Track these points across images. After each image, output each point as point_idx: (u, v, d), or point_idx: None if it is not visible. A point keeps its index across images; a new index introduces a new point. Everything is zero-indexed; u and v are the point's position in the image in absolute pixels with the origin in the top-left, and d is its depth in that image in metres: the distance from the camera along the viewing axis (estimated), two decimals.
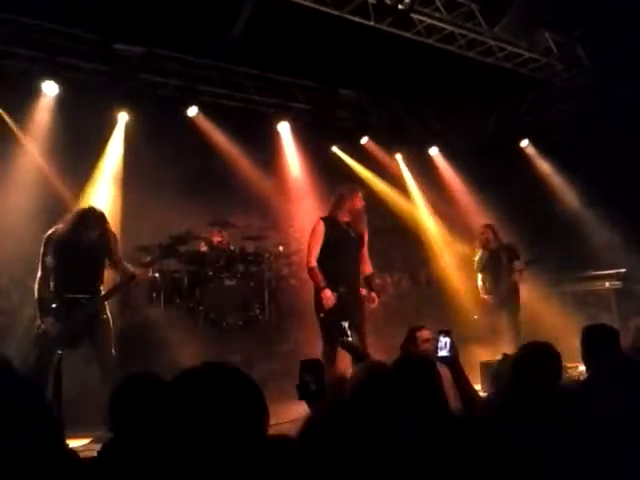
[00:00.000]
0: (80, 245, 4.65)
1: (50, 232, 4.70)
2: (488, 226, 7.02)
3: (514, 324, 6.60)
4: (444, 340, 3.28)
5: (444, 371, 4.01)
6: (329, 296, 4.75)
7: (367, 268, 5.20)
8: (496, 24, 6.51)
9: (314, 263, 4.90)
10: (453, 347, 3.28)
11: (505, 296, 6.69)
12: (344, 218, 5.04)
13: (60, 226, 4.74)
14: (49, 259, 4.60)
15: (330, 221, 5.02)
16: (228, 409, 1.44)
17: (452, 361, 3.25)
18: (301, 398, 2.46)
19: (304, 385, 2.44)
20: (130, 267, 4.94)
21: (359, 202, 5.09)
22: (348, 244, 5.02)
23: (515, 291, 6.73)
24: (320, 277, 4.80)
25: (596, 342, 3.32)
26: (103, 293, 4.78)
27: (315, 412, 1.91)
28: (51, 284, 4.62)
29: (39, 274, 4.62)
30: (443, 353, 3.30)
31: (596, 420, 2.14)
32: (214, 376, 1.51)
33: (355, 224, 5.06)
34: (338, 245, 4.94)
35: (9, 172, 6.18)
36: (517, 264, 6.75)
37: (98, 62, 6.72)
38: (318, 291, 4.80)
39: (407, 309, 7.50)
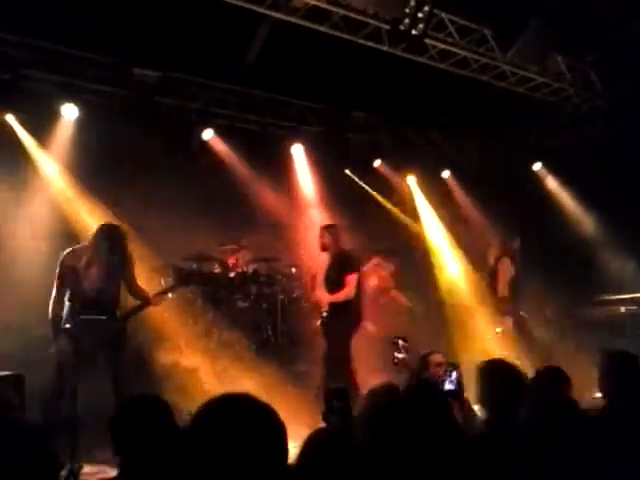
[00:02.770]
0: (98, 266, 4.67)
1: (67, 252, 4.73)
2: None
3: None
4: (452, 374, 3.30)
5: None
6: None
7: None
8: (509, 49, 6.57)
9: None
10: (460, 381, 3.31)
11: None
12: None
13: (78, 246, 4.78)
14: (66, 279, 4.62)
15: None
16: (252, 443, 1.44)
17: (457, 395, 3.29)
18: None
19: (328, 413, 2.46)
20: (145, 290, 4.96)
21: None
22: None
23: None
24: None
25: (615, 368, 3.28)
26: (119, 315, 4.79)
27: (313, 436, 1.90)
28: (66, 304, 4.62)
29: (54, 294, 4.63)
30: (449, 387, 3.33)
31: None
32: (237, 409, 1.51)
33: None
34: None
35: (28, 194, 6.26)
36: None
37: (116, 86, 6.83)
38: None
39: (420, 332, 7.44)
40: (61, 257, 4.71)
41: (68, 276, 4.62)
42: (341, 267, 5.84)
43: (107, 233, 4.77)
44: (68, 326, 4.54)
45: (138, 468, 2.22)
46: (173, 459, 1.97)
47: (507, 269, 6.57)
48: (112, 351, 4.67)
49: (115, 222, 5.24)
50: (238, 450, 1.41)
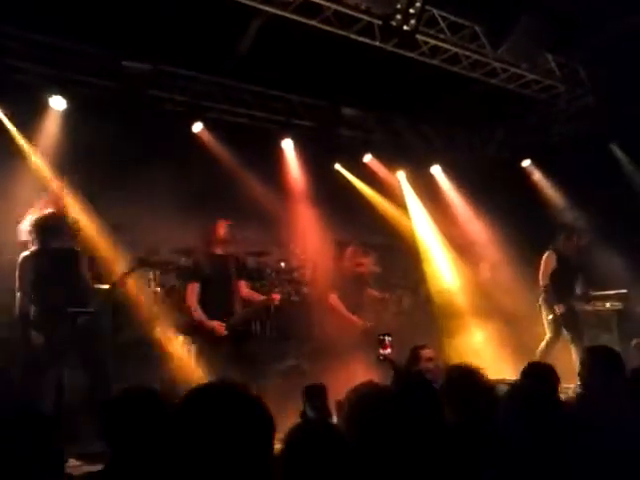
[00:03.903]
0: (54, 257, 4.66)
1: (24, 255, 4.72)
2: None
3: None
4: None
5: None
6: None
7: None
8: (499, 46, 6.60)
9: None
10: None
11: None
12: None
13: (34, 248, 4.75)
14: (26, 279, 4.60)
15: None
16: (238, 431, 1.44)
17: None
18: None
19: (306, 411, 2.46)
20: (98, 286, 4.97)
21: None
22: None
23: None
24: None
25: (598, 363, 3.32)
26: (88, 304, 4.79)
27: (294, 431, 1.91)
28: (33, 299, 4.61)
29: (19, 294, 4.62)
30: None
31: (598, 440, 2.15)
32: (223, 396, 1.51)
33: None
34: None
35: (15, 186, 6.21)
36: None
37: (106, 78, 6.78)
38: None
39: (408, 326, 7.48)
40: (19, 260, 4.70)
41: (28, 276, 4.61)
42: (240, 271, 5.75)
43: (38, 225, 4.77)
44: (37, 319, 4.54)
45: (127, 461, 2.21)
46: (161, 450, 1.97)
47: (547, 261, 6.94)
48: (85, 344, 4.65)
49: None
50: (224, 439, 1.41)
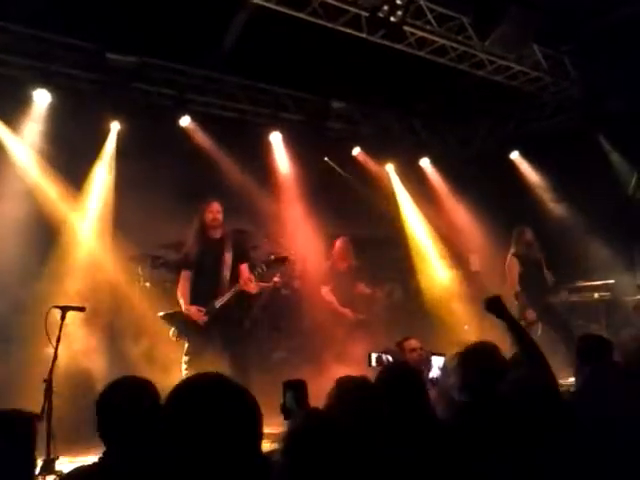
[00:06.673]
0: None
1: None
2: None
3: None
4: (437, 361, 3.32)
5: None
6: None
7: None
8: (487, 38, 6.59)
9: None
10: (446, 369, 3.32)
11: None
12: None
13: None
14: None
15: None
16: (226, 424, 1.42)
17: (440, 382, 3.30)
18: (285, 418, 2.47)
19: (285, 405, 2.46)
20: None
21: None
22: None
23: None
24: None
25: (591, 351, 3.34)
26: None
27: (291, 426, 1.89)
28: None
29: None
30: (434, 374, 3.35)
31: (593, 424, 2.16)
32: (210, 388, 1.50)
33: None
34: None
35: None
36: None
37: (91, 71, 6.70)
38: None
39: (398, 320, 7.50)
40: None
41: None
42: (238, 253, 5.64)
43: None
44: None
45: (121, 453, 2.19)
46: (152, 442, 1.95)
47: (512, 267, 6.78)
48: None
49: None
50: (212, 431, 1.40)
